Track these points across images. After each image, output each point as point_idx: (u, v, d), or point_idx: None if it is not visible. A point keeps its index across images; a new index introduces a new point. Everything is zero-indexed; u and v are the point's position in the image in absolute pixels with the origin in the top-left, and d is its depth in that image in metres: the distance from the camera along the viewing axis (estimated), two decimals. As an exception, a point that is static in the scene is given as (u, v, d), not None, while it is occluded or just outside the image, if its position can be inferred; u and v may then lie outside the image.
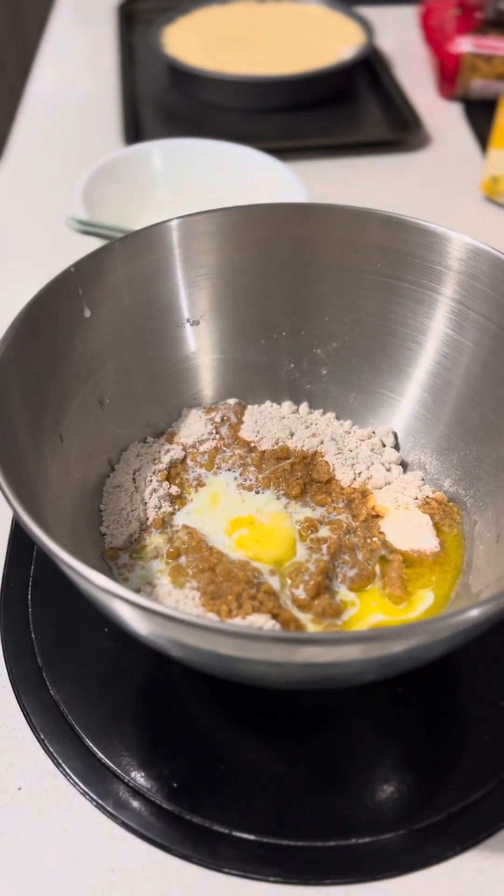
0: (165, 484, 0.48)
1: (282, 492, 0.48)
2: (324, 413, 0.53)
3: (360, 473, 0.49)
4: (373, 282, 0.49)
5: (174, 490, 0.48)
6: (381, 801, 0.39)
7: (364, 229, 0.48)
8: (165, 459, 0.49)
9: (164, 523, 0.46)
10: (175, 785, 0.39)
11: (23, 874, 0.37)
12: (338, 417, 0.52)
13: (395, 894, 0.37)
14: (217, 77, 0.90)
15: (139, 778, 0.39)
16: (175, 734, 0.41)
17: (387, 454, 0.50)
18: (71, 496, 0.43)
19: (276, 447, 0.50)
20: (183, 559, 0.44)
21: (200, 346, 0.51)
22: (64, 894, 0.36)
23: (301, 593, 0.43)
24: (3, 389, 0.37)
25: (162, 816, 0.38)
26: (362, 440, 0.51)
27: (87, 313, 0.45)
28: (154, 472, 0.48)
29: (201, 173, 0.72)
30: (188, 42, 0.96)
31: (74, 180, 0.66)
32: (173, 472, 0.49)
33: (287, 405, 0.53)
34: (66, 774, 0.40)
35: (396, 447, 0.51)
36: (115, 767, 0.40)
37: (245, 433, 0.51)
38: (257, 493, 0.48)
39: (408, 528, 0.46)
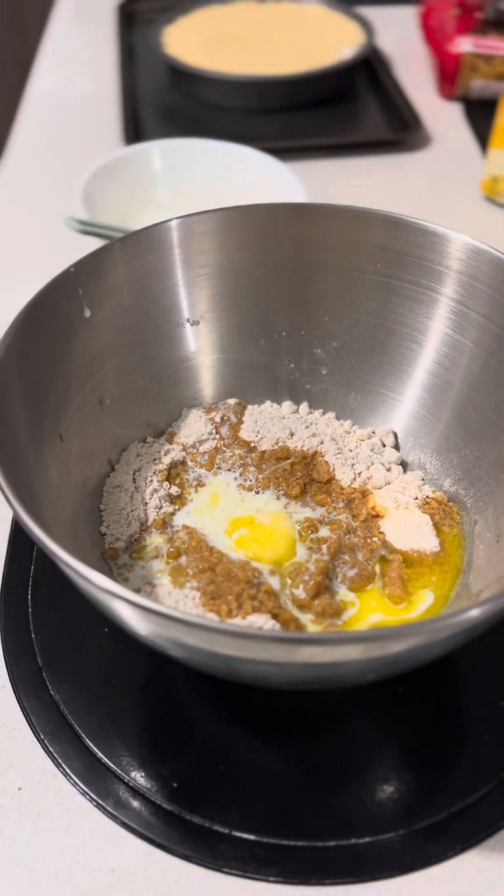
0: (166, 484, 0.48)
1: (282, 492, 0.48)
2: (324, 413, 0.53)
3: (360, 473, 0.49)
4: (373, 282, 0.49)
5: (174, 490, 0.48)
6: (381, 801, 0.39)
7: (364, 229, 0.48)
8: (165, 459, 0.49)
9: (165, 523, 0.46)
10: (175, 785, 0.39)
11: (23, 874, 0.37)
12: (338, 417, 0.52)
13: (395, 894, 0.37)
14: (217, 77, 0.90)
15: (139, 778, 0.39)
16: (175, 734, 0.41)
17: (387, 454, 0.50)
18: (71, 496, 0.43)
19: (276, 447, 0.50)
20: (183, 559, 0.44)
21: (200, 346, 0.51)
22: (64, 894, 0.36)
23: (301, 593, 0.43)
24: (3, 389, 0.37)
25: (162, 816, 0.38)
26: (362, 440, 0.51)
27: (87, 313, 0.45)
28: (154, 473, 0.48)
29: (201, 173, 0.72)
30: (188, 42, 0.96)
31: (74, 180, 0.66)
32: (173, 473, 0.49)
33: (287, 405, 0.53)
34: (66, 774, 0.40)
35: (396, 447, 0.51)
36: (115, 767, 0.40)
37: (245, 433, 0.51)
38: (257, 493, 0.48)
39: (408, 528, 0.46)
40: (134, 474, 0.48)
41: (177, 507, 0.48)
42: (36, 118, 0.93)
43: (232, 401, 0.52)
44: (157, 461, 0.49)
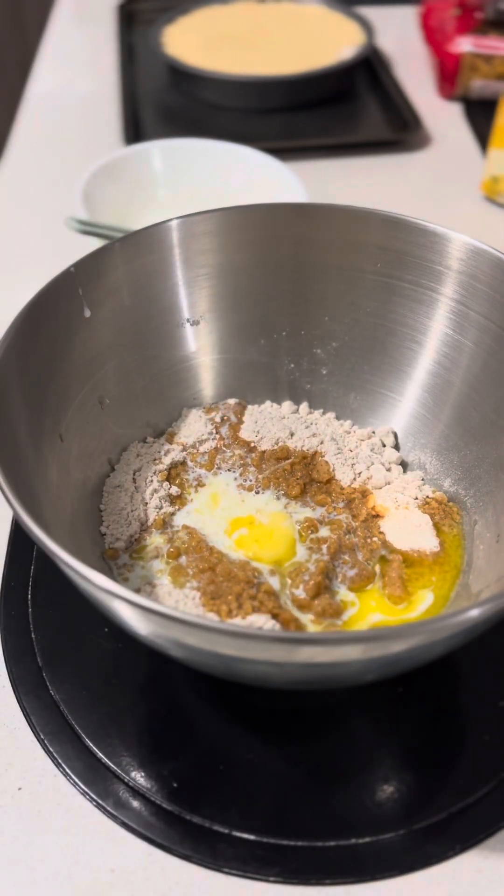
0: (166, 484, 0.48)
1: (282, 492, 0.48)
2: (324, 413, 0.53)
3: (360, 473, 0.49)
4: (373, 282, 0.49)
5: (174, 490, 0.48)
6: (381, 801, 0.39)
7: (364, 229, 0.48)
8: (166, 460, 0.49)
9: (165, 523, 0.46)
10: (175, 785, 0.39)
11: (23, 874, 0.37)
12: (338, 417, 0.52)
13: (395, 894, 0.37)
14: (217, 77, 0.90)
15: (139, 778, 0.39)
16: (175, 734, 0.41)
17: (387, 454, 0.50)
18: (71, 496, 0.43)
19: (276, 447, 0.50)
20: (183, 559, 0.44)
21: (200, 346, 0.51)
22: (64, 894, 0.36)
23: (301, 593, 0.43)
24: (3, 389, 0.37)
25: (162, 816, 0.38)
26: (362, 440, 0.51)
27: (87, 313, 0.45)
28: (154, 473, 0.48)
29: (201, 173, 0.72)
30: (188, 42, 0.96)
31: (74, 180, 0.66)
32: (173, 473, 0.49)
33: (287, 405, 0.53)
34: (66, 774, 0.40)
35: (396, 447, 0.51)
36: (115, 767, 0.40)
37: (245, 433, 0.51)
38: (257, 493, 0.48)
39: (408, 528, 0.46)
40: (134, 474, 0.48)
41: (177, 507, 0.48)
42: (36, 118, 0.93)
43: (232, 401, 0.52)
44: (157, 461, 0.49)
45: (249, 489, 0.48)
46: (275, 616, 0.41)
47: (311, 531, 0.46)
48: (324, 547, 0.45)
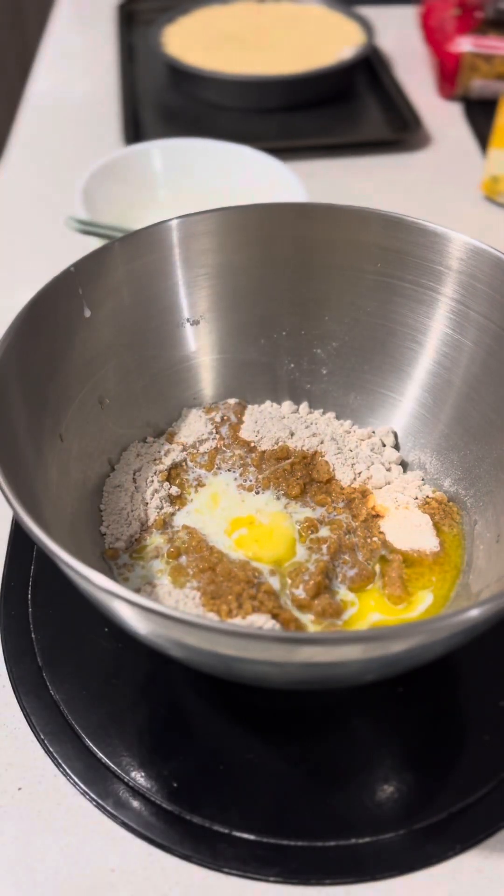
0: (166, 484, 0.48)
1: (282, 492, 0.48)
2: (324, 413, 0.53)
3: (360, 473, 0.49)
4: (373, 282, 0.49)
5: (174, 490, 0.48)
6: (381, 801, 0.39)
7: (364, 229, 0.48)
8: (166, 460, 0.49)
9: (165, 524, 0.46)
10: (175, 785, 0.39)
11: (23, 874, 0.37)
12: (338, 417, 0.52)
13: (395, 894, 0.37)
14: (217, 77, 0.90)
15: (139, 778, 0.39)
16: (175, 734, 0.41)
17: (387, 454, 0.50)
18: (71, 496, 0.43)
19: (276, 447, 0.50)
20: (183, 559, 0.44)
21: (200, 346, 0.51)
22: (64, 894, 0.36)
23: (301, 593, 0.43)
24: (3, 389, 0.37)
25: (162, 816, 0.38)
26: (362, 440, 0.51)
27: (87, 313, 0.45)
28: (155, 473, 0.48)
29: (201, 173, 0.72)
30: (188, 42, 0.96)
31: (74, 180, 0.66)
32: (173, 473, 0.49)
33: (287, 405, 0.53)
34: (66, 774, 0.40)
35: (396, 447, 0.51)
36: (115, 767, 0.40)
37: (245, 433, 0.51)
38: (257, 493, 0.48)
39: (408, 528, 0.46)
40: (134, 474, 0.48)
41: (177, 507, 0.48)
42: (36, 118, 0.93)
43: (232, 401, 0.52)
44: (157, 461, 0.49)
45: (249, 489, 0.48)
46: (275, 616, 0.41)
47: (311, 531, 0.46)
48: (324, 547, 0.45)
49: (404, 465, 0.50)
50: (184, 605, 0.42)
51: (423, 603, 0.43)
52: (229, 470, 0.49)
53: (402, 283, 0.48)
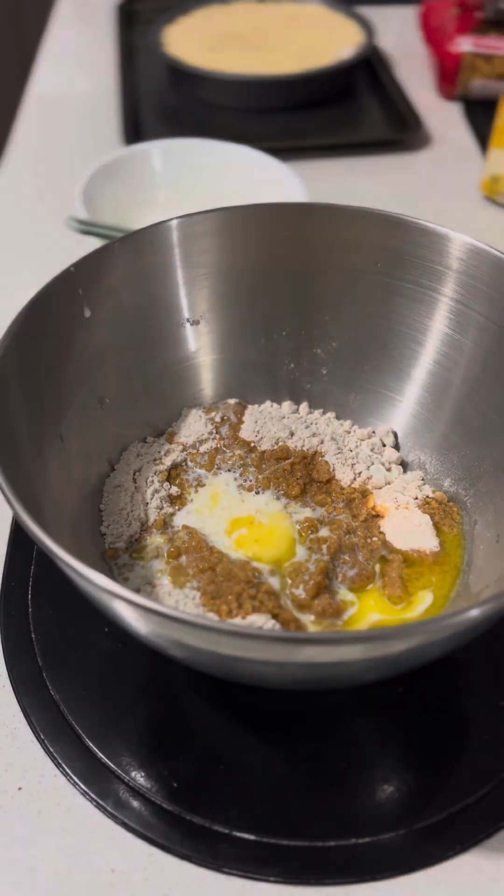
0: (166, 485, 0.48)
1: (282, 492, 0.48)
2: (324, 413, 0.53)
3: (360, 473, 0.49)
4: (373, 282, 0.49)
5: (174, 491, 0.48)
6: (381, 801, 0.39)
7: (364, 229, 0.48)
8: (166, 460, 0.49)
9: (165, 524, 0.46)
10: (175, 785, 0.39)
11: (23, 874, 0.37)
12: (338, 417, 0.52)
13: (395, 894, 0.37)
14: (217, 77, 0.90)
15: (139, 778, 0.39)
16: (175, 734, 0.41)
17: (387, 454, 0.50)
18: (71, 496, 0.43)
19: (276, 447, 0.50)
20: (183, 559, 0.44)
21: (200, 346, 0.51)
22: (64, 894, 0.36)
23: (301, 593, 0.43)
24: (3, 389, 0.37)
25: (162, 816, 0.38)
26: (362, 440, 0.51)
27: (87, 313, 0.45)
28: (155, 473, 0.48)
29: (201, 173, 0.72)
30: (188, 42, 0.96)
31: (74, 180, 0.66)
32: (173, 473, 0.49)
33: (287, 405, 0.53)
34: (66, 774, 0.40)
35: (396, 447, 0.51)
36: (115, 767, 0.40)
37: (245, 433, 0.51)
38: (257, 493, 0.48)
39: (408, 528, 0.46)
40: (134, 474, 0.48)
41: (177, 507, 0.48)
42: (36, 118, 0.93)
43: (232, 401, 0.52)
44: (157, 461, 0.49)
45: (249, 489, 0.48)
46: (275, 616, 0.41)
47: (311, 531, 0.46)
48: (324, 547, 0.45)
49: (404, 465, 0.50)
50: (184, 605, 0.42)
51: (423, 603, 0.43)
52: (229, 470, 0.49)
53: (402, 283, 0.48)
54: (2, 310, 0.46)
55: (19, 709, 0.42)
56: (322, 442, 0.50)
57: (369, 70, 0.98)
